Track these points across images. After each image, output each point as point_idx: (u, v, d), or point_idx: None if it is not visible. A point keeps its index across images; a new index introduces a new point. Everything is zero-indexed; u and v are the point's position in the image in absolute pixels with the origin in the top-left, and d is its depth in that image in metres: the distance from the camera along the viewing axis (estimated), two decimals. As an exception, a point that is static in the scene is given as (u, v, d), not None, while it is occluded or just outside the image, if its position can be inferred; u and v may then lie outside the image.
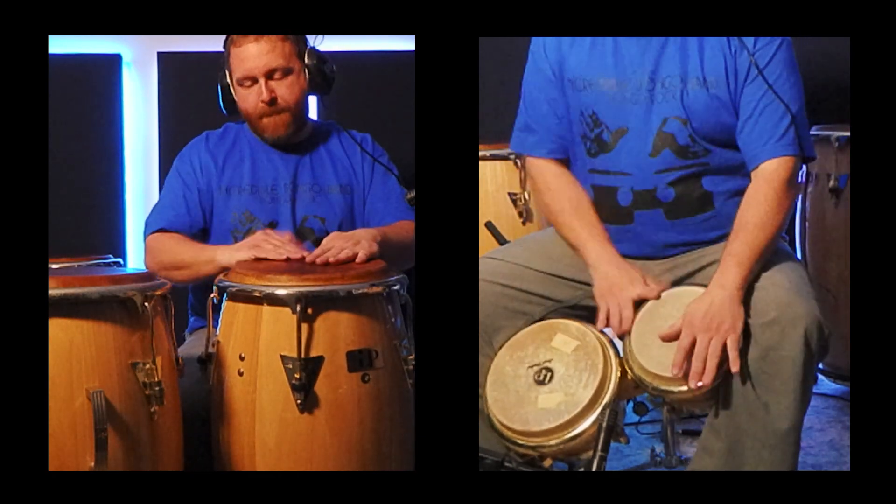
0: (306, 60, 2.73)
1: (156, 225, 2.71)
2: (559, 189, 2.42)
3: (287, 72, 2.70)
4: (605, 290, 2.27)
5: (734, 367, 2.10)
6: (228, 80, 2.74)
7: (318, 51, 2.76)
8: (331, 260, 2.45)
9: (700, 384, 2.11)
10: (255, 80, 2.69)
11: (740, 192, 2.29)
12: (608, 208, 2.35)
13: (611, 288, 2.26)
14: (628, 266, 2.29)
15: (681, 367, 2.13)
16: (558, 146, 2.43)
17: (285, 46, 2.70)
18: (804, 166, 3.09)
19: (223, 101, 2.77)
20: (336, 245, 2.50)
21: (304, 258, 2.49)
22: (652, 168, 2.30)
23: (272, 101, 2.69)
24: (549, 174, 2.44)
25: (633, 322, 2.22)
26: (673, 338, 2.16)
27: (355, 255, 2.46)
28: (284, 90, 2.71)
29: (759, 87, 2.24)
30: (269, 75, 2.69)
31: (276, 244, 2.52)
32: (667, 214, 2.32)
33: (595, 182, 2.36)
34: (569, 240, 2.38)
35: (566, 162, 2.44)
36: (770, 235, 2.21)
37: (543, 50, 2.41)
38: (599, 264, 2.30)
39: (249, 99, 2.71)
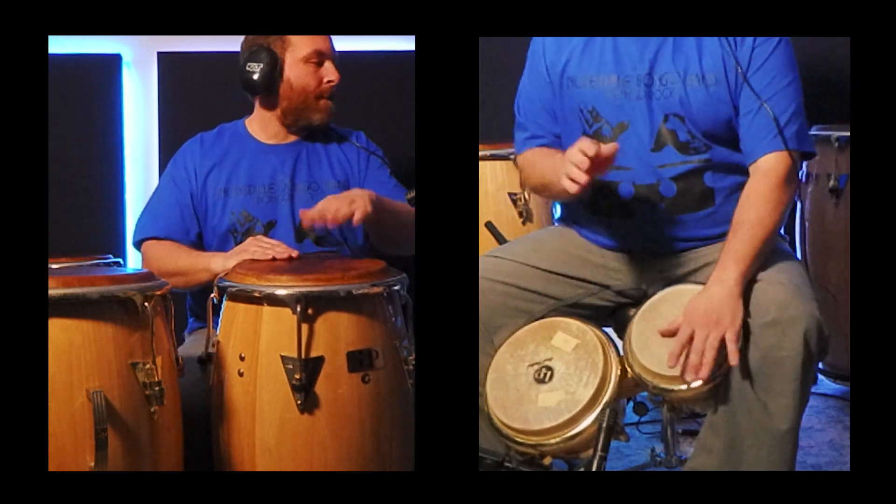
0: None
1: (149, 232, 2.72)
2: (540, 152, 2.43)
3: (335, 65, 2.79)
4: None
5: (733, 360, 2.09)
6: (280, 58, 2.74)
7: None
8: (329, 221, 2.51)
9: (697, 380, 2.11)
10: (325, 59, 2.75)
11: (741, 189, 2.30)
12: (609, 202, 2.35)
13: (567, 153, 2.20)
14: None
15: (677, 360, 2.12)
16: (550, 142, 2.45)
17: None
18: (804, 165, 3.10)
19: (263, 79, 2.73)
20: (332, 206, 2.54)
21: (291, 257, 2.54)
22: (654, 163, 2.31)
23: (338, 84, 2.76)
24: (536, 153, 2.46)
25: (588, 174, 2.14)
26: (672, 334, 2.16)
27: (352, 214, 2.51)
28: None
29: (757, 84, 2.25)
30: (334, 61, 2.77)
31: (264, 246, 2.57)
32: (668, 209, 2.32)
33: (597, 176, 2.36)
34: (539, 179, 2.39)
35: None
36: (768, 232, 2.21)
37: (542, 50, 2.42)
38: None
39: (313, 77, 2.75)
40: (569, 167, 2.15)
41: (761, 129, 2.25)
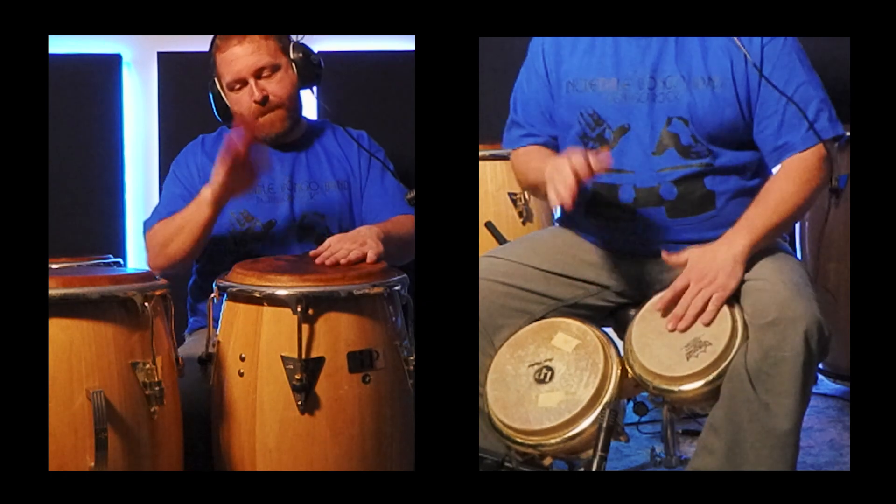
0: (292, 55, 2.73)
1: (151, 223, 2.71)
2: (535, 151, 2.43)
3: (275, 68, 2.71)
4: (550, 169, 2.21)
5: (706, 318, 2.14)
6: (219, 86, 2.74)
7: (302, 44, 2.76)
8: (342, 262, 2.43)
9: (676, 327, 2.16)
10: (244, 82, 2.70)
11: (742, 193, 2.30)
12: (609, 205, 2.35)
13: (555, 164, 2.20)
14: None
15: (665, 306, 2.19)
16: (546, 141, 2.45)
17: (269, 44, 2.71)
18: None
19: (216, 108, 2.77)
20: (344, 247, 2.48)
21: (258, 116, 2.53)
22: (655, 166, 2.31)
23: (264, 100, 2.69)
24: (530, 151, 2.45)
25: (573, 191, 2.14)
26: (673, 303, 2.20)
27: (364, 256, 2.46)
28: (275, 86, 2.71)
29: (777, 81, 2.26)
30: (258, 74, 2.69)
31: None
32: (668, 212, 2.32)
33: (596, 179, 2.36)
34: (532, 179, 2.37)
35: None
36: (791, 209, 2.23)
37: (542, 53, 2.42)
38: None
39: (242, 101, 2.71)
40: (556, 181, 2.15)
41: (792, 128, 2.26)
